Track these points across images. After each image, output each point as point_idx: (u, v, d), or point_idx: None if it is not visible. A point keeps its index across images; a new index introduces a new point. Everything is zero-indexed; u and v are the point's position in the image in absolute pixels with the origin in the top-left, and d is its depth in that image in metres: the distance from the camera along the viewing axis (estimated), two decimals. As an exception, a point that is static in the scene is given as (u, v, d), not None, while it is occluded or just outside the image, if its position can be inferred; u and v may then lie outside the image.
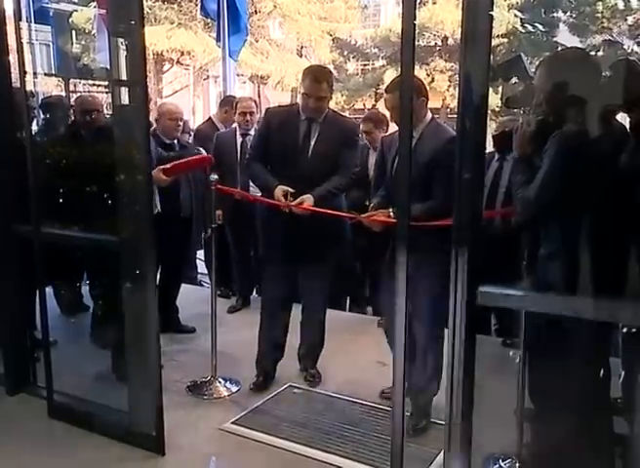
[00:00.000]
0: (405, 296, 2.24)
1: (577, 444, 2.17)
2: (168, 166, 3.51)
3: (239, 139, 4.56)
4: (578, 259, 2.09)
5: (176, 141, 4.04)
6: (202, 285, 5.47)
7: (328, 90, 3.26)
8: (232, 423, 3.09)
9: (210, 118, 5.42)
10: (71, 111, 3.78)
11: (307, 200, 3.17)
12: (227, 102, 5.15)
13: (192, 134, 5.40)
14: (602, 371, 2.19)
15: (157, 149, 3.71)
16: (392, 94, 2.84)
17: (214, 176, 3.41)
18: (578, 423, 2.16)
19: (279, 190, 3.20)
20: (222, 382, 3.47)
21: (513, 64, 2.53)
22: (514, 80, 2.80)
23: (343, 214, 3.37)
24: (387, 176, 3.06)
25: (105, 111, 3.63)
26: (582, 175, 2.05)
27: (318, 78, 3.22)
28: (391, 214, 2.86)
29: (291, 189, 3.18)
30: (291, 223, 3.25)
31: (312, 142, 3.29)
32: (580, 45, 18.66)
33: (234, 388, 3.46)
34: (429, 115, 2.94)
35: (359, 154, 3.43)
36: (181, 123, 4.07)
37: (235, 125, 4.67)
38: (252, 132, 4.50)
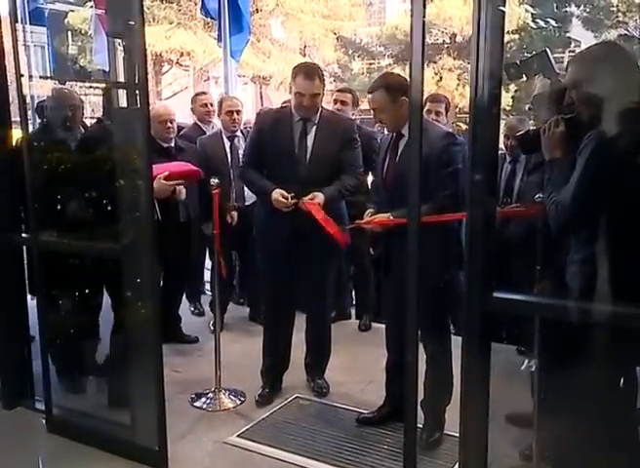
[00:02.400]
0: (416, 300, 2.23)
1: (598, 456, 2.16)
2: (166, 173, 3.51)
3: (227, 143, 4.42)
4: (612, 265, 2.03)
5: (172, 145, 4.02)
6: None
7: (320, 86, 3.24)
8: (237, 436, 3.09)
9: (195, 122, 5.04)
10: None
11: (318, 197, 3.15)
12: (194, 99, 5.07)
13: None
14: (627, 381, 2.17)
15: None
16: (375, 93, 2.87)
17: (214, 180, 3.41)
18: (599, 435, 2.15)
19: (277, 193, 3.19)
20: (227, 394, 3.48)
21: (538, 60, 2.46)
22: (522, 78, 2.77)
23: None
24: (378, 180, 3.06)
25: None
26: (621, 178, 1.99)
27: (310, 75, 3.20)
28: (390, 216, 2.85)
29: (286, 192, 3.18)
30: (291, 230, 3.26)
31: (310, 144, 3.28)
32: (594, 40, 18.65)
33: (239, 400, 3.46)
34: None
35: (361, 154, 3.41)
36: (172, 125, 4.02)
37: (219, 127, 4.60)
38: (239, 133, 4.45)
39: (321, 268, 3.42)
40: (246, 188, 3.99)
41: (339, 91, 4.61)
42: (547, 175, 2.22)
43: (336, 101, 4.42)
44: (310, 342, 3.61)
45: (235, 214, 4.27)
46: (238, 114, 4.44)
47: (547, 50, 2.57)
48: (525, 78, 2.54)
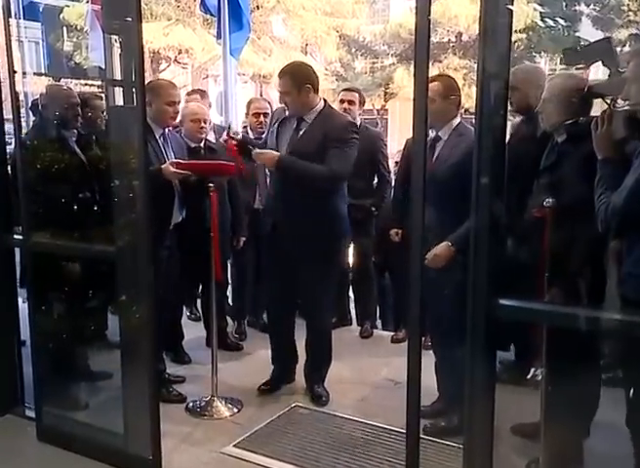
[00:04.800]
0: (420, 310, 2.23)
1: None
2: (181, 161, 3.41)
3: None
4: None
5: (202, 144, 3.98)
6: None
7: (292, 84, 3.26)
8: (234, 446, 3.07)
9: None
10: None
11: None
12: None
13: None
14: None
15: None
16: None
17: (211, 184, 3.39)
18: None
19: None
20: (224, 402, 3.46)
21: (600, 47, 2.36)
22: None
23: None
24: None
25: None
26: None
27: (280, 74, 3.32)
28: (450, 246, 2.90)
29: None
30: (291, 240, 3.32)
31: (297, 138, 3.32)
32: (603, 40, 18.60)
33: (236, 408, 3.45)
34: (457, 119, 3.07)
35: (350, 156, 3.31)
36: (205, 124, 4.00)
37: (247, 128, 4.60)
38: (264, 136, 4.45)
39: (320, 272, 3.42)
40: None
41: (345, 90, 4.61)
42: (599, 174, 2.16)
43: (342, 101, 4.41)
44: (310, 350, 3.61)
45: (243, 239, 4.25)
46: (265, 117, 4.44)
47: (611, 38, 2.50)
48: (583, 65, 2.48)
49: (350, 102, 4.40)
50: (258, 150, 3.34)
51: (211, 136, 4.48)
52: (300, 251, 3.33)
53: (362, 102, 4.56)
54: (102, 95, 3.65)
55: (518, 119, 3.33)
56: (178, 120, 3.85)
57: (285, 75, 3.29)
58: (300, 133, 3.33)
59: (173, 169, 3.29)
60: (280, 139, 3.39)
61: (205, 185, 3.39)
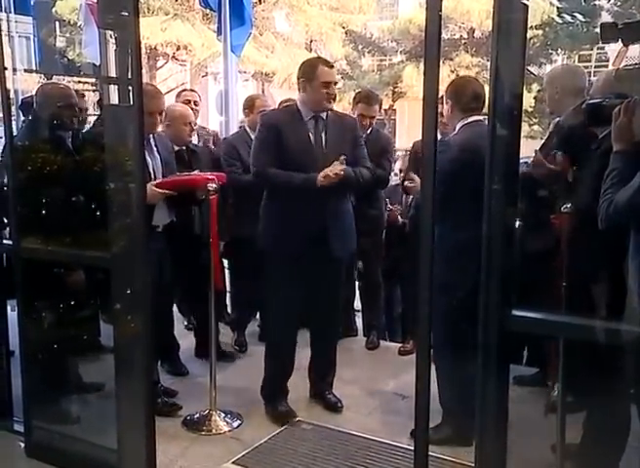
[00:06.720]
0: (429, 319, 2.24)
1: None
2: (160, 180, 3.42)
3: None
4: None
5: (184, 147, 4.01)
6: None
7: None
8: (233, 463, 3.07)
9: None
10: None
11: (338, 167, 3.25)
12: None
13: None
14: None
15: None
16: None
17: (212, 185, 3.39)
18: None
19: (324, 172, 3.25)
20: (222, 416, 3.47)
21: None
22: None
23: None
24: None
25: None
26: None
27: (330, 64, 3.48)
28: None
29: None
30: (308, 234, 3.32)
31: (323, 138, 3.40)
32: (624, 37, 18.56)
33: (235, 423, 3.45)
34: None
35: (366, 153, 3.58)
36: (195, 127, 4.09)
37: (245, 126, 4.59)
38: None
39: (336, 277, 3.51)
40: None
41: (365, 104, 4.31)
42: (610, 167, 2.13)
43: (364, 117, 4.22)
44: (319, 357, 3.65)
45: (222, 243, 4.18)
46: None
47: None
48: (621, 43, 2.43)
49: (372, 118, 4.31)
50: (321, 174, 3.26)
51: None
52: (335, 254, 3.40)
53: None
54: (84, 92, 3.68)
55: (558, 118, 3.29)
56: (165, 122, 3.89)
57: (333, 66, 3.49)
58: (324, 132, 3.40)
59: (154, 189, 3.30)
60: (310, 140, 3.37)
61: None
